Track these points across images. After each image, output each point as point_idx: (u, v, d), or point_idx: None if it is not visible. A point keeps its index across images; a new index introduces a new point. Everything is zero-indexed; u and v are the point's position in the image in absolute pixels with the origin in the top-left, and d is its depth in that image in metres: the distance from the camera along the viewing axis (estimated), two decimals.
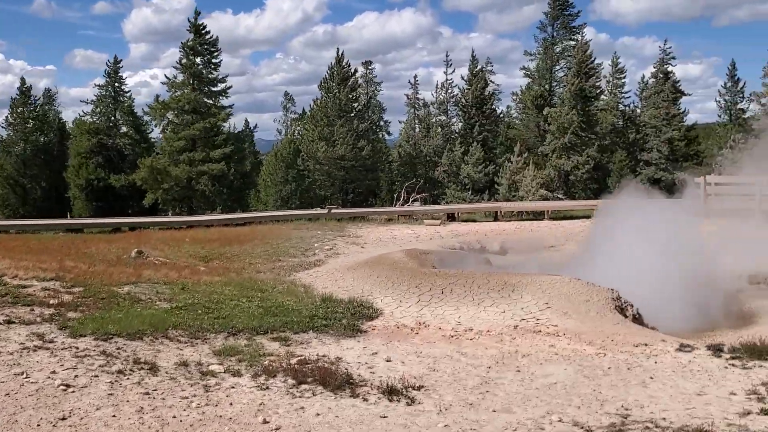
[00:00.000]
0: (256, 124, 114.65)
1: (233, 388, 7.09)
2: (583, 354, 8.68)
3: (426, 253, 16.09)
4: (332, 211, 25.65)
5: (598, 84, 37.45)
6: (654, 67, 38.05)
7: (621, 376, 7.77)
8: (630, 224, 15.04)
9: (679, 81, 37.61)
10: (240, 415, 6.33)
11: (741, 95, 40.91)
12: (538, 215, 27.46)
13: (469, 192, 34.41)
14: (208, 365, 7.78)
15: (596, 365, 8.20)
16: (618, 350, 8.81)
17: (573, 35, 39.44)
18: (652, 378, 7.67)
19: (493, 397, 7.09)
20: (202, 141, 32.48)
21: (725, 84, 41.63)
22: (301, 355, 8.46)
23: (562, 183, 36.30)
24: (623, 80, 43.23)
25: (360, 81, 36.98)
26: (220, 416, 6.29)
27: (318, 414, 6.43)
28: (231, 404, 6.60)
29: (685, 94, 37.92)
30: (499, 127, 41.30)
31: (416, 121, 39.58)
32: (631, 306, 11.48)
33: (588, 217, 25.32)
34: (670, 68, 37.17)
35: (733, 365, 8.10)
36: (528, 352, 8.79)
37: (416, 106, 39.71)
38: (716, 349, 8.73)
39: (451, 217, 27.66)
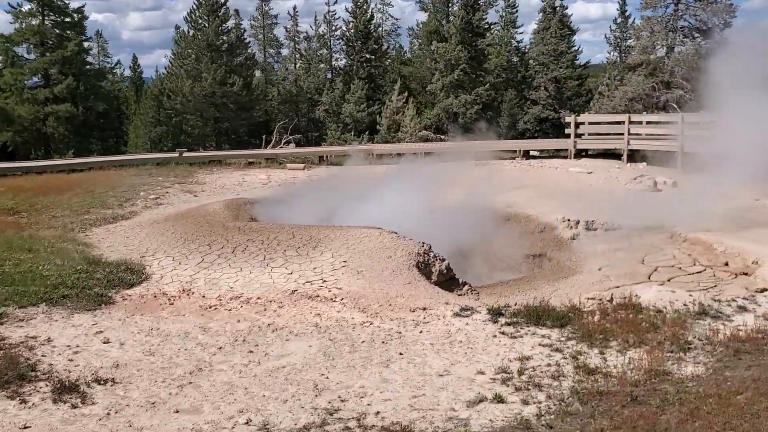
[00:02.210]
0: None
1: None
2: (346, 324, 7.54)
3: (251, 203, 14.65)
4: (184, 154, 23.64)
5: (485, 18, 36.09)
6: (542, 1, 37.03)
7: (368, 353, 6.66)
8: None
9: (569, 17, 36.70)
10: None
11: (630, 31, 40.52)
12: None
13: (351, 133, 32.89)
14: None
15: (350, 339, 7.07)
16: (389, 317, 7.72)
17: None
18: (401, 354, 6.60)
19: (191, 392, 5.83)
20: (53, 78, 29.45)
21: (615, 19, 41.14)
22: (2, 338, 6.95)
23: (451, 124, 35.24)
24: (515, 15, 42.11)
25: (232, 12, 34.29)
26: None
27: None
28: None
29: (574, 31, 37.19)
30: (389, 64, 39.54)
31: (297, 57, 37.36)
32: (441, 260, 10.47)
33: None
34: (558, 3, 36.33)
35: (503, 333, 7.15)
36: (284, 324, 7.57)
37: (296, 39, 37.45)
38: (496, 313, 7.78)
39: (322, 160, 26.16)
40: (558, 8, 36.58)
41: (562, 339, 6.96)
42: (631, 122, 22.72)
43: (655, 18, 26.45)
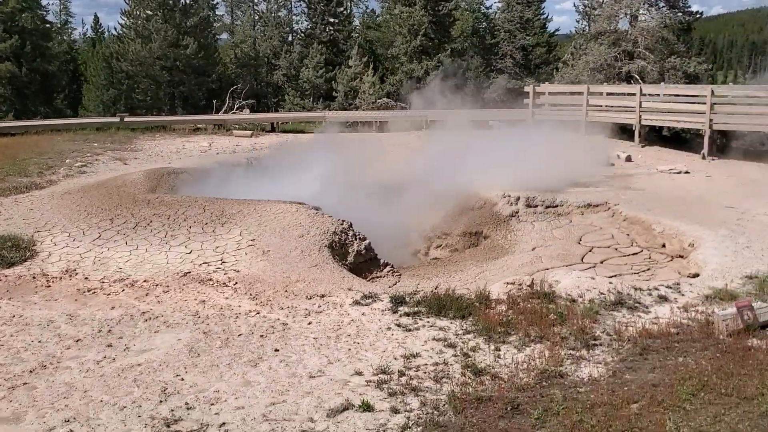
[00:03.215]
0: None
1: None
2: (230, 313, 6.86)
3: (177, 173, 13.84)
4: (126, 119, 22.57)
5: None
6: None
7: (240, 349, 6.00)
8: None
9: None
10: None
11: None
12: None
13: (310, 99, 31.88)
14: None
15: (228, 331, 6.40)
16: (280, 305, 7.06)
17: None
18: (277, 351, 5.95)
19: (21, 395, 5.13)
20: None
21: None
22: None
23: (414, 91, 34.32)
24: None
25: None
26: None
27: None
28: None
29: None
30: (353, 28, 38.35)
31: (256, 18, 36.02)
32: (361, 240, 9.82)
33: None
34: None
35: (399, 325, 6.53)
36: (161, 313, 6.87)
37: (254, 0, 36.10)
38: (398, 302, 7.16)
39: (274, 128, 25.23)
40: None
41: (460, 332, 6.37)
42: (590, 93, 22.11)
43: None
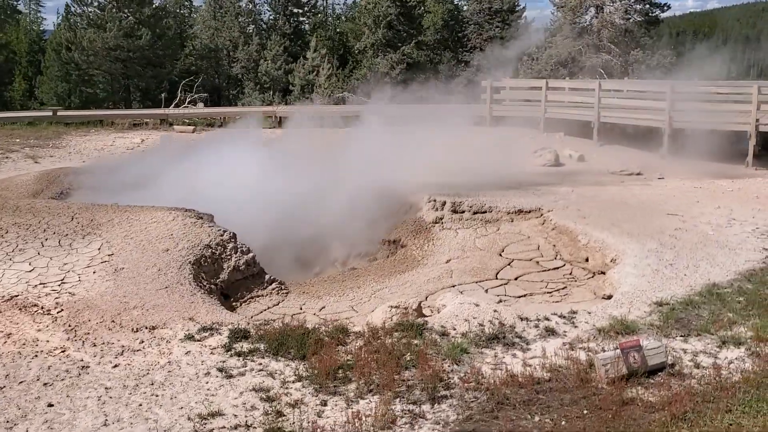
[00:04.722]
0: None
1: None
2: (31, 351, 5.77)
3: (76, 174, 12.70)
4: (59, 113, 21.37)
5: None
6: None
7: (8, 403, 4.92)
8: None
9: None
10: None
11: None
12: None
13: (270, 92, 30.68)
14: None
15: (10, 377, 5.32)
16: (94, 342, 5.97)
17: None
18: (51, 406, 4.88)
19: None
20: None
21: None
22: None
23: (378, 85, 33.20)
24: None
25: None
26: None
27: None
28: None
29: None
30: (319, 20, 37.14)
31: (216, 8, 34.69)
32: (243, 253, 8.76)
33: None
34: None
35: (222, 370, 5.48)
36: None
37: None
38: (238, 336, 6.09)
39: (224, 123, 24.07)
40: None
41: (291, 379, 5.32)
42: (549, 88, 21.07)
43: None
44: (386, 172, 13.72)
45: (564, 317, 6.64)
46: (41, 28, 47.50)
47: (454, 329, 6.28)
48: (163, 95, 25.98)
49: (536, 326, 6.39)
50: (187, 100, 26.72)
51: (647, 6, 23.61)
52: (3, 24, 32.68)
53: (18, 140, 17.50)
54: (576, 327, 6.43)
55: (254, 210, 11.49)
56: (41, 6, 56.10)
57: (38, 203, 10.08)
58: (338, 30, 40.14)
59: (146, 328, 6.26)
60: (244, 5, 34.23)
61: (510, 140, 19.24)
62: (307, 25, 34.80)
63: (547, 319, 6.57)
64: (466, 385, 5.20)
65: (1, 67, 29.92)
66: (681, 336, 6.10)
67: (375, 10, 32.28)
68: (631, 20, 22.29)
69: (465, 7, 37.47)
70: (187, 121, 23.37)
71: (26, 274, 7.55)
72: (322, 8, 38.29)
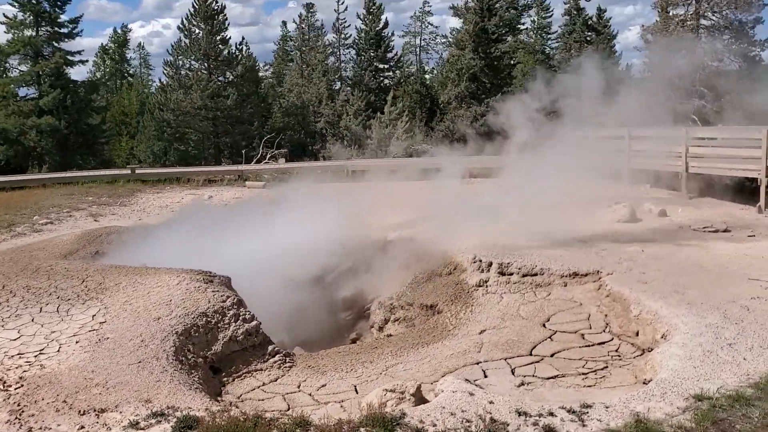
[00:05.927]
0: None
1: None
2: None
3: (118, 233, 12.70)
4: (137, 171, 22.05)
5: (505, 21, 33.19)
6: (565, 3, 33.59)
7: None
8: None
9: (591, 18, 33.13)
10: None
11: None
12: None
13: (354, 147, 30.66)
14: None
15: None
16: (32, 426, 5.45)
17: None
18: None
19: None
20: (43, 90, 28.61)
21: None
22: None
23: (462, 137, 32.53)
24: (548, 20, 38.89)
25: (227, 20, 32.60)
26: None
27: None
28: None
29: (600, 33, 33.52)
30: (403, 74, 37.11)
31: (304, 67, 35.41)
32: (245, 321, 8.14)
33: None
34: (583, 4, 32.85)
35: None
36: None
37: (302, 49, 35.52)
38: (184, 427, 5.38)
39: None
40: (583, 11, 33.25)
41: None
42: (632, 137, 19.68)
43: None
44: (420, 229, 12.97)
45: (574, 412, 5.48)
46: (152, 91, 50.56)
47: (434, 426, 5.30)
48: (243, 151, 26.43)
49: (535, 424, 5.29)
50: (268, 155, 27.11)
51: (744, 45, 21.70)
52: (118, 88, 34.80)
53: (90, 198, 18.04)
54: (584, 426, 5.27)
55: (288, 269, 11.03)
56: (150, 69, 59.72)
57: (60, 265, 9.98)
58: (426, 83, 40.04)
59: (95, 411, 5.69)
60: (330, 63, 34.75)
61: (587, 191, 17.87)
62: (390, 80, 34.81)
63: (551, 414, 5.44)
64: None
65: (111, 128, 31.70)
66: None
67: (458, 63, 31.85)
68: (723, 61, 20.48)
69: (556, 56, 36.36)
70: (267, 176, 23.53)
71: (9, 343, 7.24)
72: (408, 62, 38.26)
